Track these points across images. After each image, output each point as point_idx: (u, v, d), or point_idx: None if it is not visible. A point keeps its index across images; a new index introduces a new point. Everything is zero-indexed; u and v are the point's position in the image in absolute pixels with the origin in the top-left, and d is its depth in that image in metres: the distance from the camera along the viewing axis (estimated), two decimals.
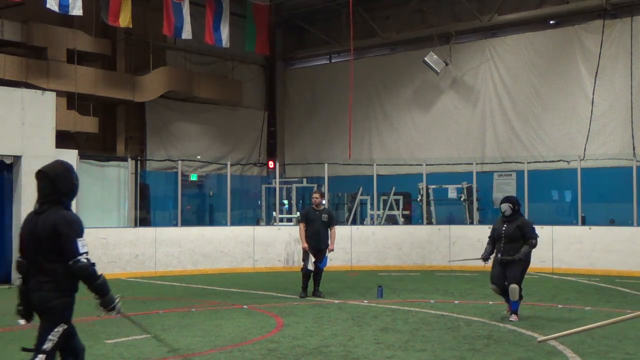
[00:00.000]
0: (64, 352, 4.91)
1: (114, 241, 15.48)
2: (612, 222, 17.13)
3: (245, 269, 16.58)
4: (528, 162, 17.94)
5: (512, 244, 9.44)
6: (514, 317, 9.47)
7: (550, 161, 18.86)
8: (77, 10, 16.64)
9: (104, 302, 4.82)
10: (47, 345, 4.68)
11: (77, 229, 4.76)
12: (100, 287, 4.77)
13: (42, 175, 4.89)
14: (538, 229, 16.22)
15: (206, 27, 19.74)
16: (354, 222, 19.78)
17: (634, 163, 16.44)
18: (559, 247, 16.24)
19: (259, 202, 21.82)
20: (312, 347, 7.84)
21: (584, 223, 16.74)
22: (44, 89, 15.75)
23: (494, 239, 9.68)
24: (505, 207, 9.60)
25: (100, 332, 8.78)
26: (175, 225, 17.71)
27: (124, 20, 17.85)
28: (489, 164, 20.18)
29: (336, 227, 12.67)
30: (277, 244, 16.91)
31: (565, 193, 19.42)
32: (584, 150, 18.28)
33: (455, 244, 17.36)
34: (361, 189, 19.97)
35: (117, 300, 4.85)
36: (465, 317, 9.79)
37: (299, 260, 17.32)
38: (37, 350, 4.68)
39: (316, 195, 12.40)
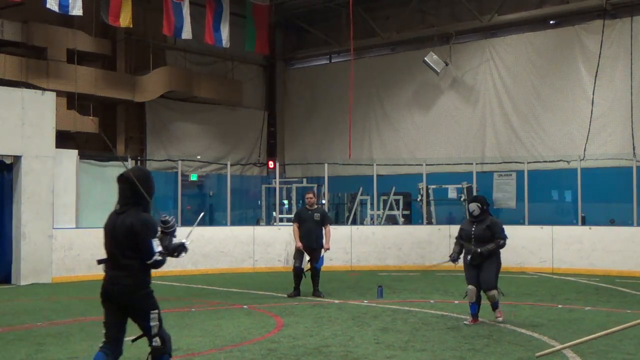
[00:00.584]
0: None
1: None
2: (612, 222, 17.13)
3: (245, 269, 16.58)
4: (528, 162, 17.94)
5: (481, 245, 9.09)
6: (499, 314, 9.27)
7: (550, 161, 18.86)
8: (77, 10, 16.64)
9: (176, 253, 5.47)
10: (155, 329, 5.29)
11: (152, 229, 5.24)
12: (169, 255, 5.36)
13: (124, 179, 5.38)
14: (538, 229, 16.60)
15: (206, 27, 19.73)
16: (354, 222, 19.77)
17: (634, 163, 16.44)
18: (559, 247, 16.25)
19: (259, 202, 21.83)
20: (312, 347, 7.84)
21: (584, 223, 16.74)
22: (44, 89, 15.75)
23: (462, 240, 9.33)
24: (474, 207, 9.26)
25: (100, 332, 8.75)
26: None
27: (125, 20, 17.86)
28: (489, 164, 20.17)
29: (331, 225, 12.68)
30: (277, 244, 16.91)
31: (565, 193, 19.42)
32: (584, 150, 18.27)
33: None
34: (361, 189, 19.95)
35: (183, 246, 5.46)
36: (465, 317, 9.78)
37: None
38: (149, 336, 5.30)
39: (309, 195, 12.45)
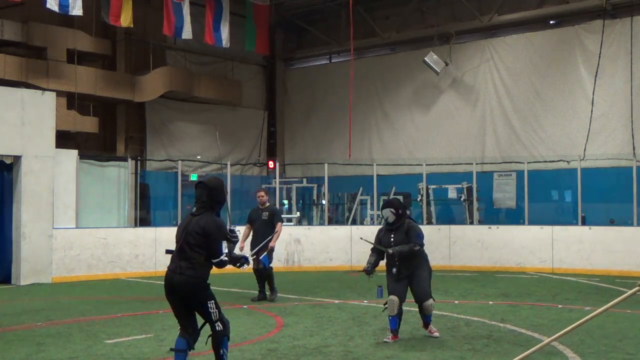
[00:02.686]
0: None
1: (114, 241, 15.48)
2: (612, 222, 17.13)
3: (246, 269, 16.55)
4: (528, 162, 17.94)
5: (403, 255, 8.16)
6: (435, 332, 8.36)
7: (550, 161, 18.86)
8: (77, 10, 16.64)
9: (238, 263, 6.17)
10: (215, 316, 5.92)
11: (223, 232, 5.96)
12: (231, 262, 6.06)
13: (203, 186, 6.05)
14: (538, 229, 16.60)
15: (206, 27, 19.73)
16: (354, 222, 19.76)
17: (634, 163, 16.43)
18: (559, 247, 16.25)
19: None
20: (312, 347, 7.84)
21: (584, 223, 16.73)
22: (44, 89, 15.74)
23: (380, 251, 8.36)
24: (387, 213, 8.27)
25: (100, 332, 8.78)
26: (176, 225, 17.69)
27: (125, 20, 17.85)
28: (489, 164, 20.16)
29: (281, 223, 11.79)
30: (277, 243, 16.83)
31: (565, 193, 19.42)
32: (584, 150, 18.27)
33: (456, 244, 17.37)
34: (361, 189, 19.94)
35: (246, 259, 6.23)
36: (465, 317, 9.79)
37: (299, 260, 17.40)
38: (210, 322, 5.92)
39: (260, 194, 11.84)
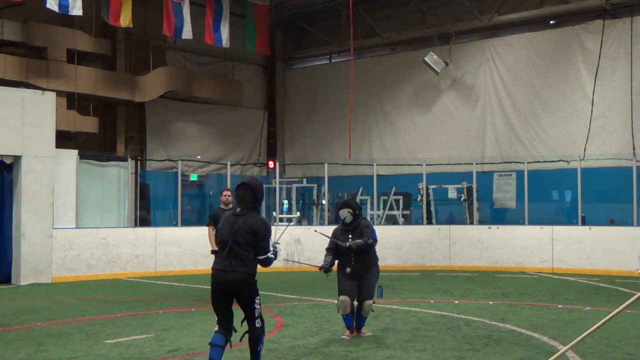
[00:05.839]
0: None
1: (114, 241, 15.48)
2: (612, 222, 17.13)
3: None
4: (528, 162, 17.94)
5: (361, 256, 8.32)
6: (367, 333, 8.55)
7: (550, 161, 18.86)
8: (77, 10, 16.64)
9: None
10: (257, 312, 6.19)
11: (270, 230, 6.22)
12: (275, 257, 6.28)
13: (245, 187, 6.33)
14: (538, 229, 16.61)
15: (206, 27, 19.73)
16: None
17: (634, 163, 16.44)
18: (559, 247, 16.26)
19: None
20: (312, 347, 7.85)
21: (584, 223, 16.74)
22: (44, 89, 15.75)
23: (336, 251, 8.47)
24: (345, 214, 8.41)
25: (100, 332, 8.78)
26: (175, 225, 17.71)
27: (125, 20, 17.85)
28: (489, 164, 20.17)
29: None
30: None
31: (565, 193, 19.42)
32: (584, 150, 18.27)
33: (455, 244, 17.37)
34: (361, 189, 19.95)
35: (275, 251, 6.28)
36: (465, 317, 9.79)
37: (299, 260, 17.38)
38: (252, 318, 6.19)
39: (227, 193, 11.47)
